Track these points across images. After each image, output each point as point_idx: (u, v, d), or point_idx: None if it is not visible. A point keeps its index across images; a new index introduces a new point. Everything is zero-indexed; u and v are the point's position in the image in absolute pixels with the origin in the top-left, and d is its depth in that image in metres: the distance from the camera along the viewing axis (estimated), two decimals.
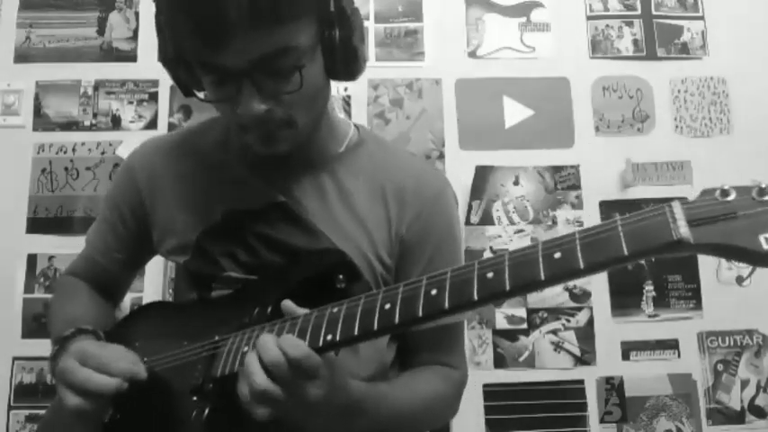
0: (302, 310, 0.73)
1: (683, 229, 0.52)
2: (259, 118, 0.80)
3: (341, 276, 0.80)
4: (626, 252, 0.54)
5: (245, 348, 0.75)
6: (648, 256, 0.55)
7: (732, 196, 0.52)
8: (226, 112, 0.84)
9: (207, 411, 0.76)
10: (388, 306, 0.66)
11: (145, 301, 1.82)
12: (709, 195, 0.54)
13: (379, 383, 0.86)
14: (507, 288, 0.59)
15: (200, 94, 0.88)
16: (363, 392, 0.78)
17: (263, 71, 0.77)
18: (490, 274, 0.60)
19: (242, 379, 0.69)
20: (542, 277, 0.57)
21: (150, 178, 1.01)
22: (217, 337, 0.82)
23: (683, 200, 0.55)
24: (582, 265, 0.55)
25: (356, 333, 0.67)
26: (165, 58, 0.85)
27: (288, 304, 0.74)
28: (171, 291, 1.87)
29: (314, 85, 0.83)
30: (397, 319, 0.65)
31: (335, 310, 0.70)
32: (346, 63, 0.85)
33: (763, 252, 0.49)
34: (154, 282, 1.87)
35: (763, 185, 0.51)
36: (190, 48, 0.78)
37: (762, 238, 0.49)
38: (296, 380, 0.67)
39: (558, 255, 0.57)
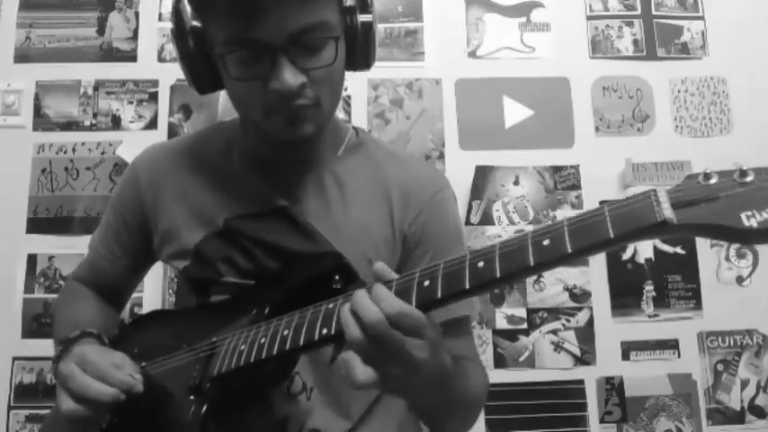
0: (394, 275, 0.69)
1: (667, 211, 0.54)
2: (291, 93, 0.80)
3: (337, 278, 0.80)
4: (612, 235, 0.55)
5: (243, 347, 0.75)
6: (634, 239, 0.57)
7: (714, 179, 0.54)
8: (253, 93, 0.83)
9: (204, 410, 0.76)
10: None
11: (144, 301, 1.85)
12: (692, 180, 0.56)
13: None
14: (498, 275, 0.60)
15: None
16: (451, 364, 0.74)
17: (297, 45, 0.79)
18: (481, 263, 0.61)
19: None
20: (531, 263, 0.58)
21: (152, 184, 1.01)
22: (214, 339, 0.82)
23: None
24: (570, 250, 0.57)
25: None
26: (185, 49, 0.86)
27: (380, 266, 0.69)
28: (171, 290, 1.88)
29: (340, 65, 0.86)
30: None
31: (331, 305, 0.70)
32: (366, 49, 0.88)
33: (744, 228, 0.50)
34: (153, 281, 1.87)
35: (744, 168, 0.53)
36: (225, 25, 0.79)
37: (743, 216, 0.51)
38: (399, 336, 0.63)
39: (546, 241, 0.58)
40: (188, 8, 0.85)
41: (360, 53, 0.88)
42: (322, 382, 0.91)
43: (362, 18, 0.86)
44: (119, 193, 1.07)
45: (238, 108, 0.91)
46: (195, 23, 0.84)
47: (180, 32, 0.86)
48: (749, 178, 0.53)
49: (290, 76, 0.79)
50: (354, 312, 0.63)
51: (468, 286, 0.61)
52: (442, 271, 0.64)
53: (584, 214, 0.58)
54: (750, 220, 0.50)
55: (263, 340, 0.73)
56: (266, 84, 0.80)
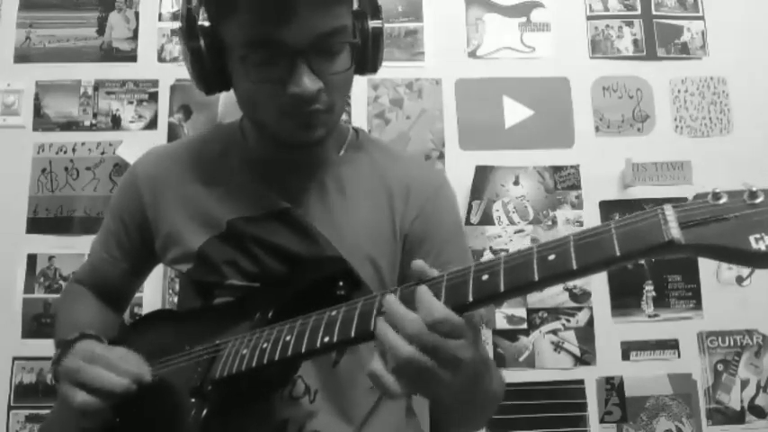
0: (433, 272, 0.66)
1: (675, 231, 0.53)
2: (308, 98, 0.80)
3: (341, 284, 0.80)
4: (618, 253, 0.54)
5: (245, 351, 0.75)
6: (640, 258, 0.56)
7: (724, 199, 0.53)
8: (268, 96, 0.83)
9: (205, 412, 0.76)
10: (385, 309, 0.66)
11: (144, 301, 1.85)
12: (701, 199, 0.55)
13: None
14: (501, 290, 0.59)
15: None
16: (484, 359, 0.71)
17: (317, 50, 0.80)
18: (485, 277, 0.61)
19: (376, 356, 0.62)
20: (536, 278, 0.58)
21: (153, 187, 1.01)
22: (217, 341, 0.82)
23: (676, 203, 0.55)
24: (575, 266, 0.56)
25: (353, 335, 0.67)
26: (196, 49, 0.84)
27: (419, 263, 0.67)
28: (171, 291, 1.87)
29: (353, 70, 0.87)
30: None
31: (334, 313, 0.70)
32: (375, 54, 0.89)
33: (752, 251, 0.49)
34: (153, 281, 1.87)
35: (754, 189, 0.52)
36: (249, 25, 0.79)
37: (752, 239, 0.50)
38: (442, 342, 0.60)
39: (552, 257, 0.58)
40: (203, 7, 0.84)
41: (369, 58, 0.89)
42: (326, 384, 0.91)
43: (373, 24, 0.88)
44: (118, 197, 1.07)
45: (249, 110, 0.90)
46: (210, 22, 0.83)
47: (191, 32, 0.85)
48: (759, 199, 0.52)
49: (310, 82, 0.79)
50: (394, 325, 0.61)
51: (471, 299, 0.61)
52: (445, 283, 0.63)
53: (591, 230, 0.58)
54: (759, 243, 0.49)
55: (265, 345, 0.73)
56: (283, 88, 0.80)
